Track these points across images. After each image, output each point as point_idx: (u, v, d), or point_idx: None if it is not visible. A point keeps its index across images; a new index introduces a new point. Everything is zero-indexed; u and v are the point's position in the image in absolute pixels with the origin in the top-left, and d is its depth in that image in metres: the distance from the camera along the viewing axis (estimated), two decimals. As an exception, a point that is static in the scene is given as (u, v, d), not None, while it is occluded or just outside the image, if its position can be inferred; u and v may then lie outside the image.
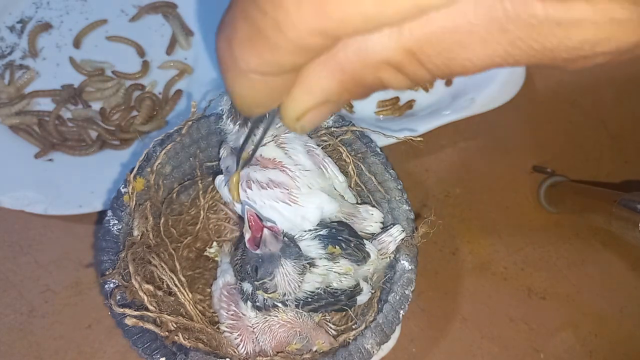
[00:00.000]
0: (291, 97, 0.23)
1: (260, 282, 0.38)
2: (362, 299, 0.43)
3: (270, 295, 0.39)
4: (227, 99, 0.42)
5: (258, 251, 0.37)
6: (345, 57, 0.21)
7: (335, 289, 0.40)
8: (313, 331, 0.40)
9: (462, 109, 0.59)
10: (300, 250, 0.39)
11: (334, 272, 0.40)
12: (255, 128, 0.33)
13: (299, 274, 0.38)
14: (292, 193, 0.41)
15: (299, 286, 0.38)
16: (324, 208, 0.41)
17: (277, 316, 0.41)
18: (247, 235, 0.37)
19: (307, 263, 0.39)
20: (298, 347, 0.41)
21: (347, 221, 0.44)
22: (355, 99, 0.23)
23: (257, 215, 0.37)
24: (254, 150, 0.34)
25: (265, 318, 0.41)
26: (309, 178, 0.42)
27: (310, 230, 0.41)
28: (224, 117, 0.42)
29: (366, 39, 0.20)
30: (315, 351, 0.41)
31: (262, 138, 0.32)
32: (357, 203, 0.47)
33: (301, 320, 0.40)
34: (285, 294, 0.38)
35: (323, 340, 0.40)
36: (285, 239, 0.38)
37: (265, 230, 0.36)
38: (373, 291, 0.44)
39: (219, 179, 0.43)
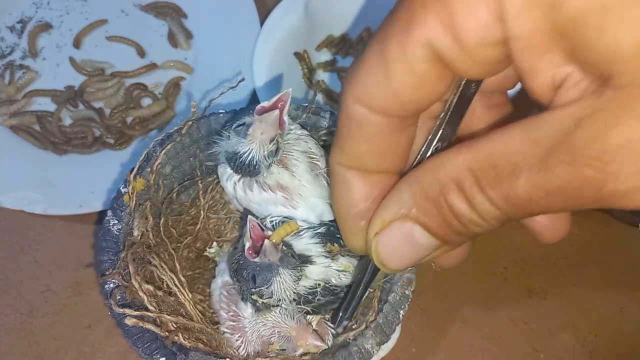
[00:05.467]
0: (379, 206, 0.26)
1: (258, 289, 0.38)
2: (360, 296, 0.43)
3: (264, 301, 0.39)
4: (235, 142, 0.39)
5: (257, 259, 0.37)
6: (422, 172, 0.24)
7: (335, 286, 0.40)
8: (295, 331, 0.40)
9: (462, 109, 0.59)
10: (298, 260, 0.39)
11: (333, 269, 0.40)
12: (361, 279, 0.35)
13: (294, 282, 0.38)
14: (294, 199, 0.41)
15: (293, 293, 0.39)
16: (323, 216, 0.42)
17: (263, 315, 0.40)
18: (248, 244, 0.37)
19: (302, 271, 0.39)
20: (277, 348, 0.41)
21: None
22: (428, 224, 0.24)
23: (259, 225, 0.37)
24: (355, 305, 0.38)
25: (256, 318, 0.41)
26: (310, 190, 0.42)
27: (308, 229, 0.41)
28: (223, 153, 0.40)
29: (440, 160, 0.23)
30: (305, 353, 0.41)
31: (361, 295, 0.36)
32: None
33: (282, 319, 0.40)
34: (280, 299, 0.39)
35: (308, 341, 0.39)
36: (284, 247, 0.38)
37: (267, 241, 0.36)
38: (372, 290, 0.44)
39: (225, 169, 0.42)
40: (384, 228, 0.25)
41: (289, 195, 0.41)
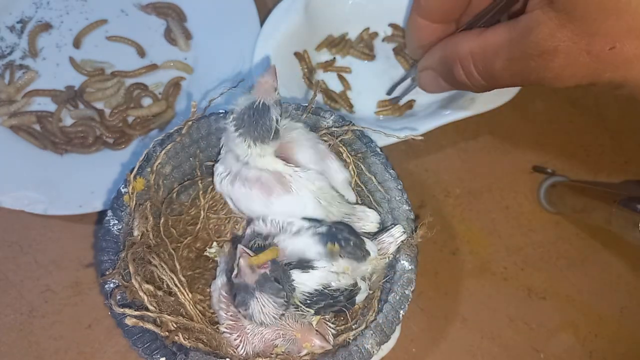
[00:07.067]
0: (425, 55, 0.43)
1: (237, 309, 0.38)
2: (359, 297, 0.43)
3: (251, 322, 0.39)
4: (244, 100, 0.41)
5: (235, 279, 0.37)
6: (448, 44, 0.39)
7: (334, 289, 0.40)
8: (300, 333, 0.40)
9: (462, 109, 0.59)
10: (283, 287, 0.38)
11: (333, 271, 0.40)
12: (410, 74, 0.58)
13: (277, 308, 0.38)
14: (270, 198, 0.41)
15: (276, 319, 0.38)
16: (298, 211, 0.42)
17: None
18: (236, 270, 0.37)
19: (290, 298, 0.38)
20: (283, 350, 0.41)
21: (345, 220, 0.44)
22: (443, 78, 0.41)
23: (248, 252, 0.37)
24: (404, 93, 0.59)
25: None
26: (305, 181, 0.42)
27: (309, 227, 0.41)
28: (231, 117, 0.41)
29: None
30: (307, 353, 0.41)
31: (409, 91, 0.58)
32: (356, 203, 0.47)
33: (286, 322, 0.40)
34: (262, 323, 0.38)
35: (312, 343, 0.40)
36: (267, 272, 0.37)
37: (241, 261, 0.36)
38: (371, 291, 0.44)
39: (217, 167, 0.43)
40: (424, 69, 0.43)
41: (266, 194, 0.41)
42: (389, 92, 0.63)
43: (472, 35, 0.36)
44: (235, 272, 0.37)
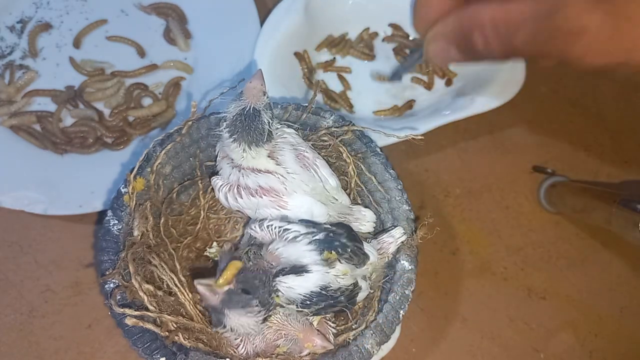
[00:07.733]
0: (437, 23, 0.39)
1: (216, 329, 0.40)
2: (360, 296, 0.43)
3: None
4: (235, 106, 0.41)
5: (204, 303, 0.38)
6: (465, 13, 0.36)
7: (334, 290, 0.40)
8: (302, 333, 0.40)
9: (462, 109, 0.59)
10: (254, 293, 0.38)
11: (332, 275, 0.40)
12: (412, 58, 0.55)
13: (254, 316, 0.38)
14: (282, 199, 0.41)
15: (258, 327, 0.39)
16: (313, 212, 0.42)
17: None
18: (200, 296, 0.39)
19: (265, 304, 0.39)
20: (285, 350, 0.41)
21: (341, 220, 0.44)
22: (456, 46, 0.38)
23: (206, 285, 0.38)
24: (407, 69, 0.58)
25: None
26: (298, 182, 0.42)
27: (306, 234, 0.40)
28: (225, 125, 0.42)
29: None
30: (308, 353, 0.41)
31: (412, 64, 0.55)
32: (351, 204, 0.47)
33: (287, 322, 0.40)
34: (247, 333, 0.39)
35: (314, 343, 0.40)
36: (231, 288, 0.38)
37: (199, 288, 0.37)
38: (372, 290, 0.44)
39: (216, 182, 0.44)
40: (435, 38, 0.39)
41: (275, 197, 0.41)
42: (393, 78, 0.61)
43: (494, 2, 0.35)
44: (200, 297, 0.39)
